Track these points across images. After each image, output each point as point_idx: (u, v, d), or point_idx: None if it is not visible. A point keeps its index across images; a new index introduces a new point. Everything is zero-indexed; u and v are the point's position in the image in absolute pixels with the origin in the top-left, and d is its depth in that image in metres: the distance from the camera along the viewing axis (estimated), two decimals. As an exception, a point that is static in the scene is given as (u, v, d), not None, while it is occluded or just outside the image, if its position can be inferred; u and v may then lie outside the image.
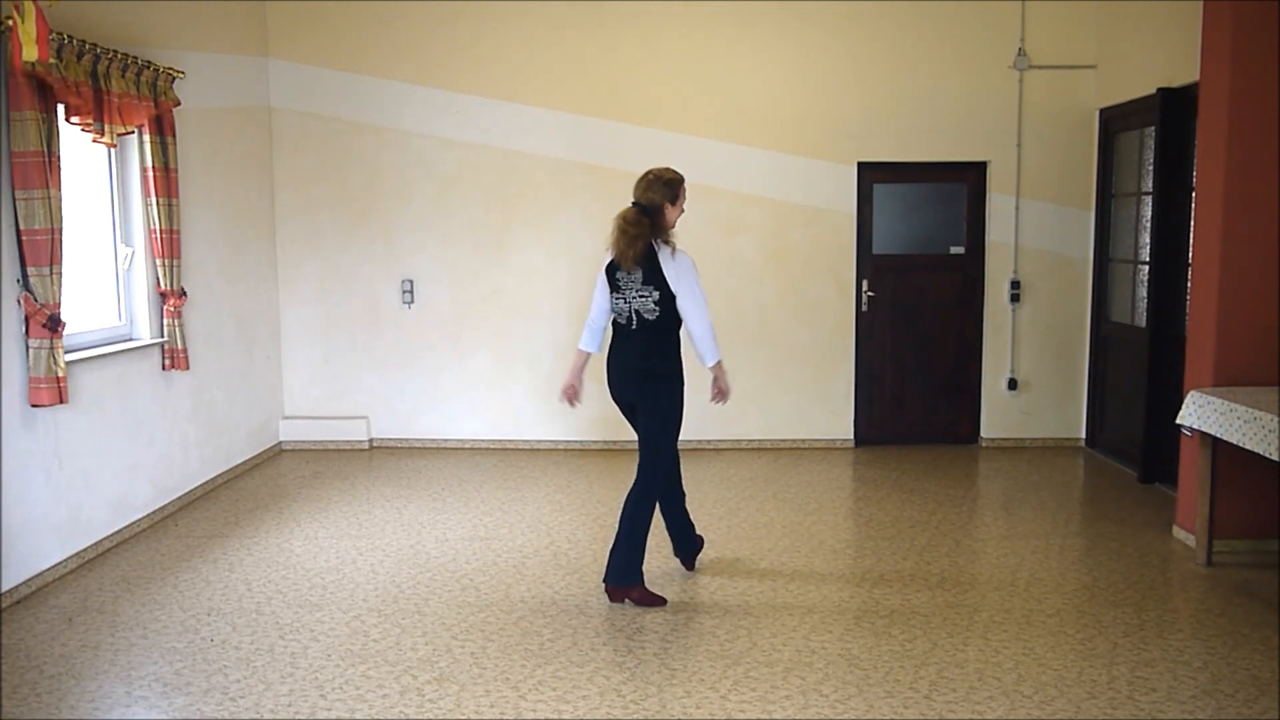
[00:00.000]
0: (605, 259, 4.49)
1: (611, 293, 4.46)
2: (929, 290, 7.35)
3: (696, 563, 4.89)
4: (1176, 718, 3.39)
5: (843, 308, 7.30)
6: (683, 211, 4.48)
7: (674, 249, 4.38)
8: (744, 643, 3.99)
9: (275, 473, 6.76)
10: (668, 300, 4.35)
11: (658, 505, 4.59)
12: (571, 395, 4.63)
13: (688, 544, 4.81)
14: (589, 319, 4.60)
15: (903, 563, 4.92)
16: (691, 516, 4.90)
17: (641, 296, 4.36)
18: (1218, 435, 4.63)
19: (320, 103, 7.21)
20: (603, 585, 4.50)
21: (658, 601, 4.40)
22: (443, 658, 3.88)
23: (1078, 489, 6.35)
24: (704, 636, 4.05)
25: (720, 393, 4.54)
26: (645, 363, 4.41)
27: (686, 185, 4.52)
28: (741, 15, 7.11)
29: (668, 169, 4.50)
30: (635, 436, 4.53)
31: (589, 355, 4.64)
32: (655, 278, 4.34)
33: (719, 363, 4.47)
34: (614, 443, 7.32)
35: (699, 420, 7.28)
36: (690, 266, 4.37)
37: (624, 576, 4.39)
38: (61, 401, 4.59)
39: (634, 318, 4.40)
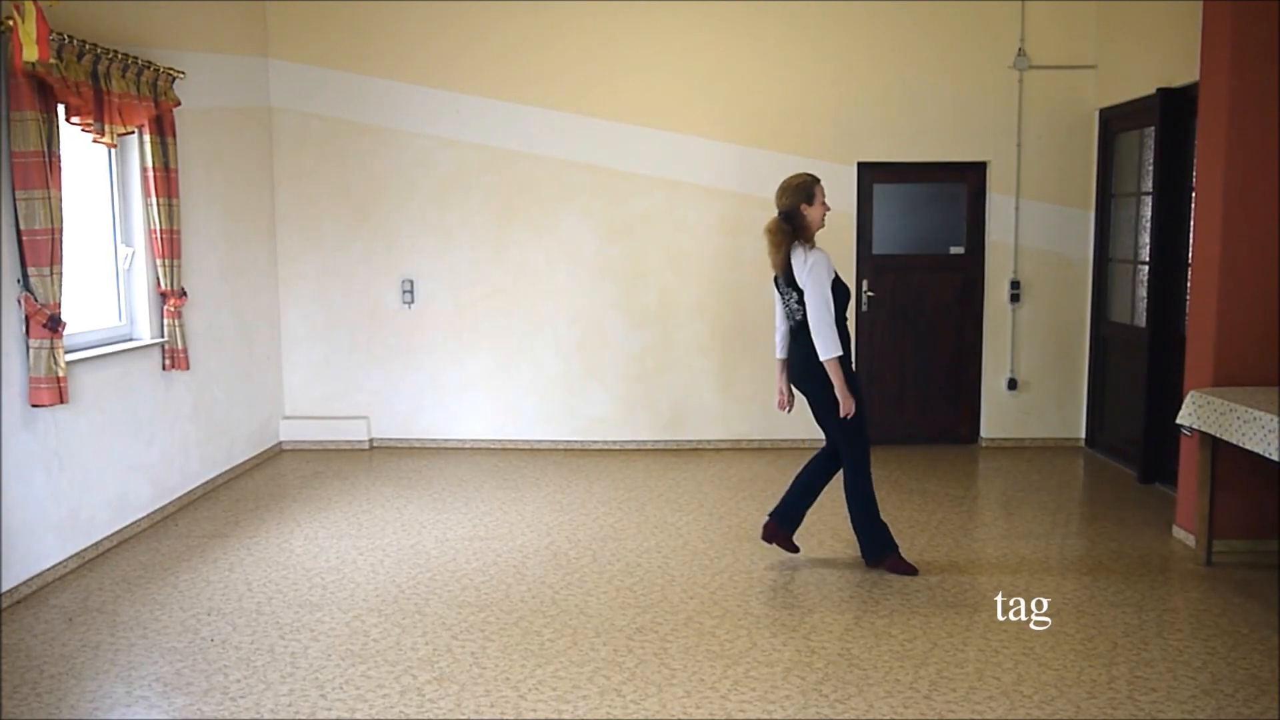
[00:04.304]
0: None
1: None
2: (929, 290, 7.35)
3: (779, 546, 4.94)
4: (1176, 718, 3.39)
5: (843, 308, 7.30)
6: (827, 209, 4.66)
7: (808, 250, 4.54)
8: (744, 643, 4.00)
9: (275, 473, 6.76)
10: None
11: (816, 464, 4.83)
12: (781, 402, 4.89)
13: (789, 515, 4.86)
14: (776, 326, 4.85)
15: (903, 563, 4.92)
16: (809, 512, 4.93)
17: (787, 298, 4.65)
18: (1217, 435, 4.63)
19: (320, 103, 7.22)
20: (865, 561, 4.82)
21: (909, 570, 4.72)
22: (443, 658, 3.88)
23: (1078, 489, 6.35)
24: (704, 636, 4.05)
25: (839, 397, 4.53)
26: (803, 361, 4.62)
27: (819, 187, 4.65)
28: (742, 16, 7.11)
29: (797, 174, 4.70)
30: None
31: (782, 361, 4.85)
32: (793, 279, 4.55)
33: (830, 360, 4.49)
34: (614, 443, 7.31)
35: (700, 419, 7.30)
36: (817, 264, 4.51)
37: (876, 550, 4.73)
38: (62, 401, 4.60)
39: (792, 319, 4.65)
